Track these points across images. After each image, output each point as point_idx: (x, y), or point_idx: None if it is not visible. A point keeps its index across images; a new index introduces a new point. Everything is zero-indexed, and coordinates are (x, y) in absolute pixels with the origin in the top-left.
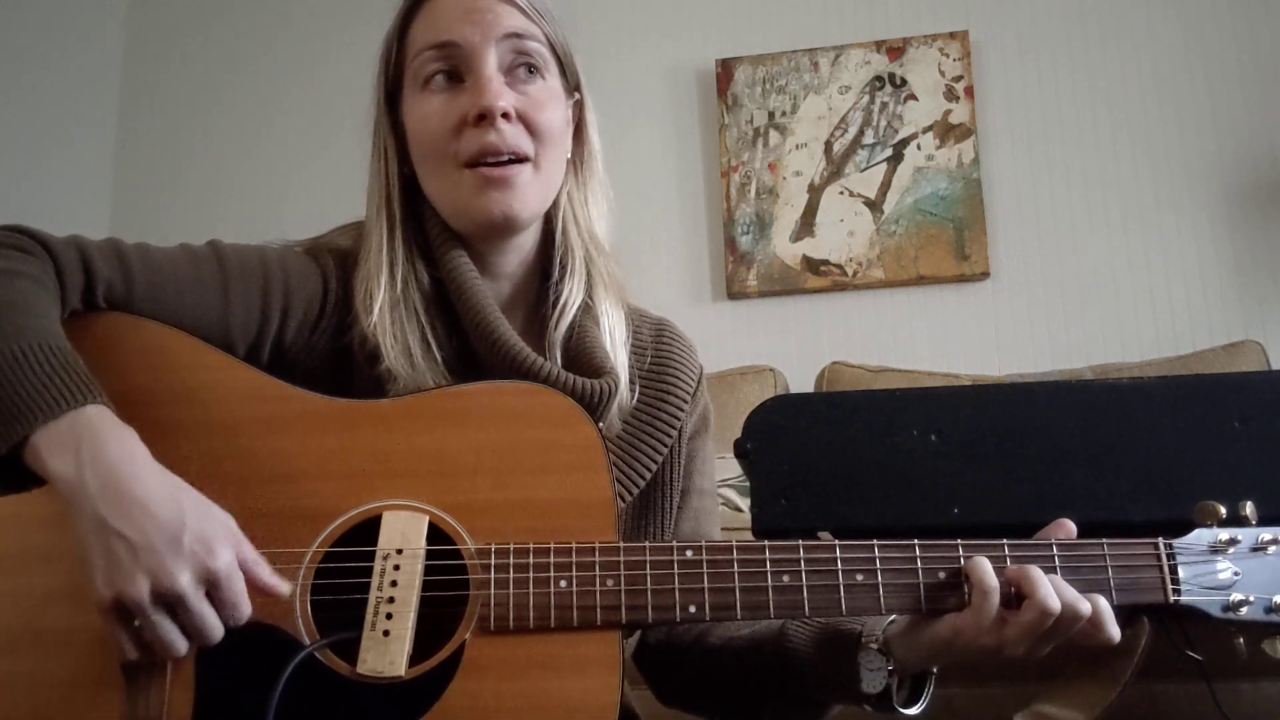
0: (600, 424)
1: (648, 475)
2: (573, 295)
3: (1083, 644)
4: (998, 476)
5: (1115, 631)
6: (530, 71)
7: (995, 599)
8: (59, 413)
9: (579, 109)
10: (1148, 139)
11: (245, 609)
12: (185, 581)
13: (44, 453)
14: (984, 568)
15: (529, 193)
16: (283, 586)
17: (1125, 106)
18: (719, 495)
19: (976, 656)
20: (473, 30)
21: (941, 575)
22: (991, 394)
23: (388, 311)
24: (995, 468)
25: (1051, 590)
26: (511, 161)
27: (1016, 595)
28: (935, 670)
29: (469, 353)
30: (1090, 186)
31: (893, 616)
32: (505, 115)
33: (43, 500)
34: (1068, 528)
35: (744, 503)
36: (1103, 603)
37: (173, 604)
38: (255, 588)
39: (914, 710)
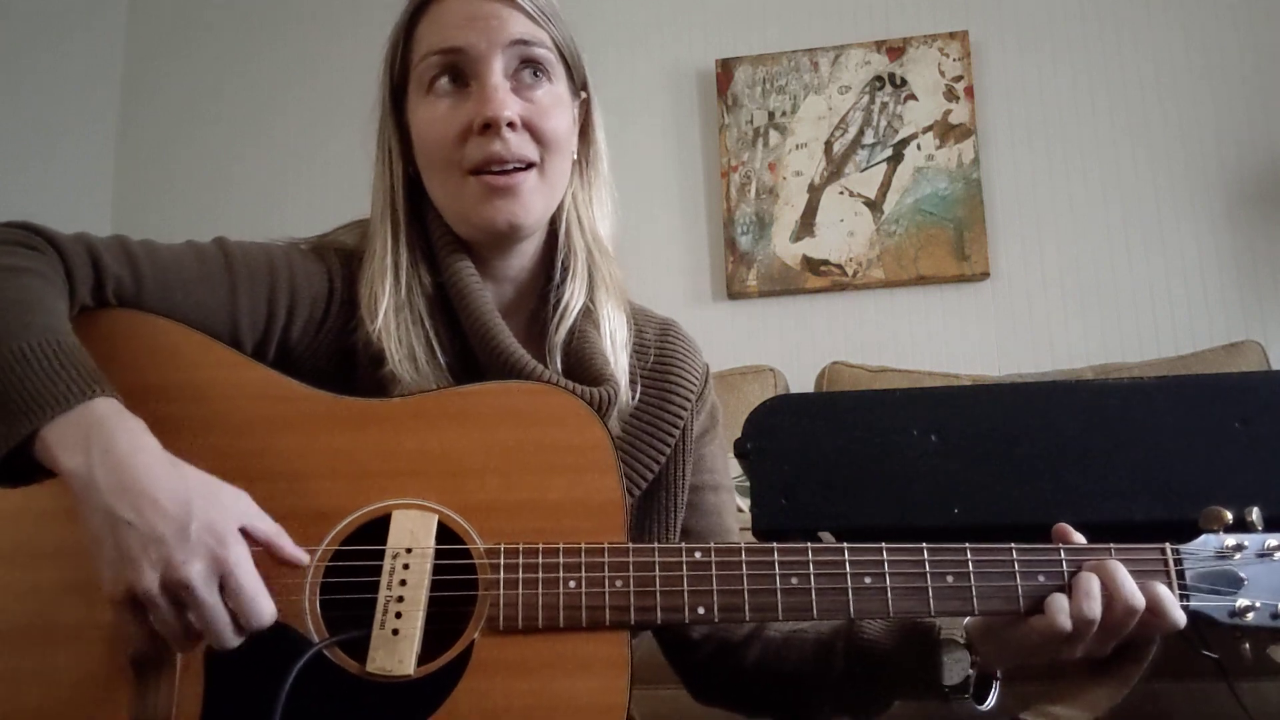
0: None
1: (650, 475)
2: (574, 298)
3: (1145, 634)
4: (998, 476)
5: (1179, 616)
6: (536, 76)
7: (1066, 629)
8: (68, 406)
9: (585, 108)
10: (1148, 138)
11: (264, 603)
12: (195, 571)
13: (54, 447)
14: (1058, 605)
15: (534, 200)
16: (303, 557)
17: (1125, 106)
18: None
19: (1048, 657)
20: (479, 36)
21: (949, 579)
22: (991, 394)
23: (392, 316)
24: (995, 468)
25: (1095, 600)
26: (516, 169)
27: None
28: (999, 675)
29: (471, 357)
30: (1090, 186)
31: (966, 619)
32: (511, 124)
33: (52, 495)
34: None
35: (744, 503)
36: (1163, 590)
37: (181, 596)
38: (277, 561)
39: (986, 705)
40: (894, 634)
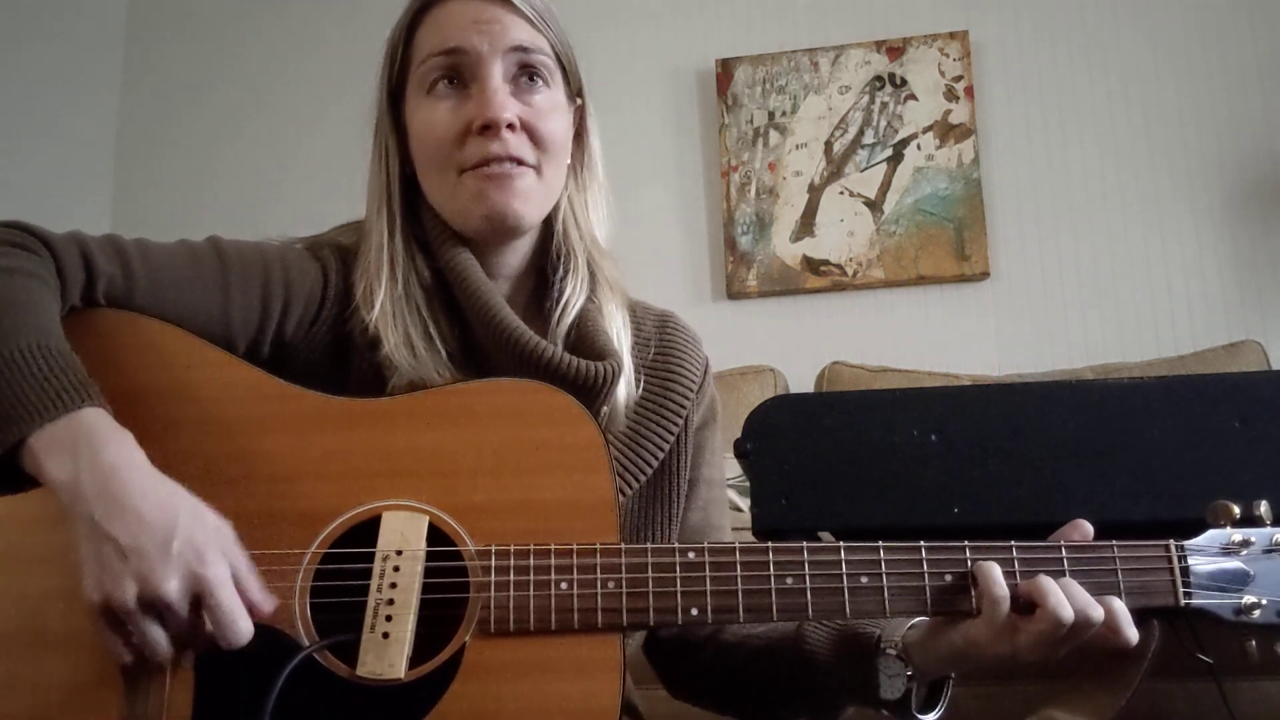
0: (604, 408)
1: (654, 464)
2: (575, 294)
3: (1099, 646)
4: (998, 476)
5: (1133, 633)
6: (534, 81)
7: (1005, 607)
8: (56, 415)
9: (580, 114)
10: (1148, 139)
11: (242, 624)
12: (173, 588)
13: (40, 456)
14: (992, 576)
15: (531, 195)
16: (267, 606)
17: (1125, 106)
18: None
19: (992, 663)
20: (480, 39)
21: (948, 578)
22: (991, 394)
23: (389, 305)
24: (995, 468)
25: (1064, 598)
26: (515, 163)
27: (1028, 603)
28: (953, 676)
29: (472, 345)
30: (1090, 186)
31: (911, 622)
32: (510, 126)
33: (40, 501)
34: (1083, 529)
35: (744, 503)
36: (1118, 605)
37: (160, 610)
38: (243, 599)
39: (931, 716)
40: (833, 645)
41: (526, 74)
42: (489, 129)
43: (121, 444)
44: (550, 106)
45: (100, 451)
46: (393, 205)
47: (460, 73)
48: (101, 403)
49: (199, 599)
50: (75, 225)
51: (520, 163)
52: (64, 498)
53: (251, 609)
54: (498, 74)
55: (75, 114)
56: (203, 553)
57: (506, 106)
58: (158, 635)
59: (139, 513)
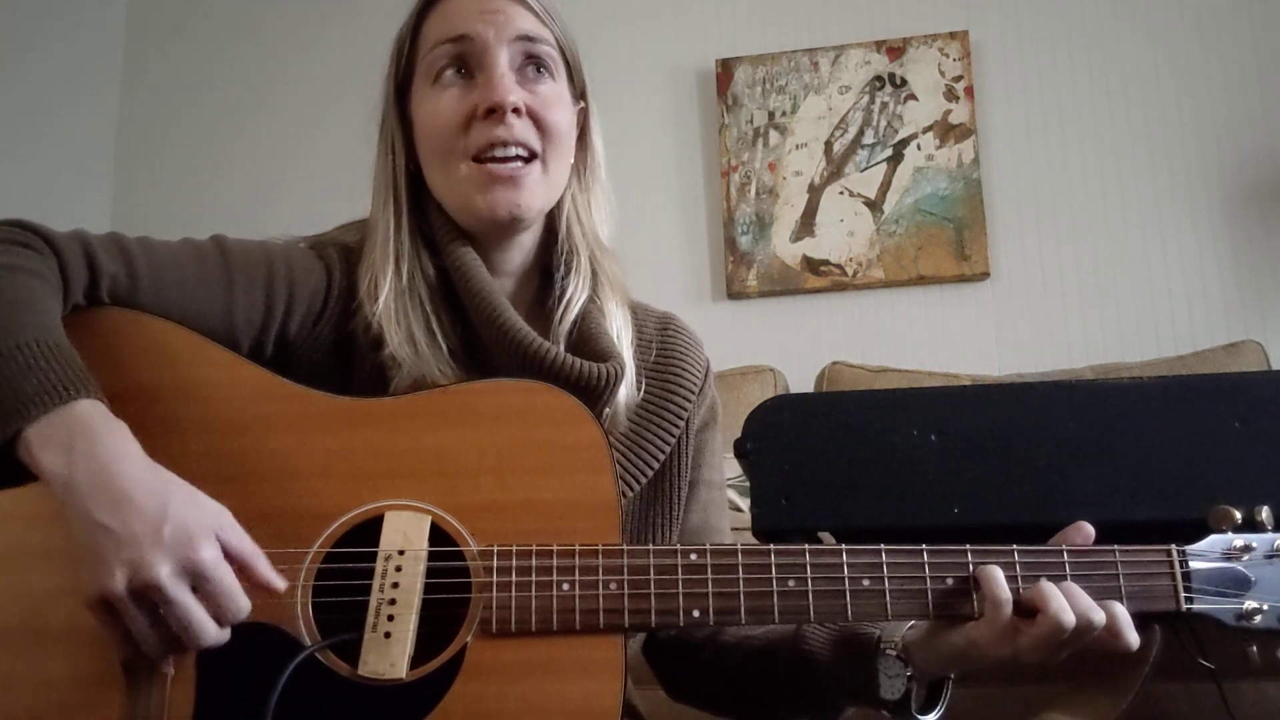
0: (606, 410)
1: (654, 467)
2: (578, 292)
3: (1100, 650)
4: (998, 476)
5: (1134, 638)
6: (539, 71)
7: (1008, 610)
8: (52, 408)
9: (583, 115)
10: (1148, 139)
11: (240, 602)
12: (164, 573)
13: (36, 448)
14: (995, 579)
15: (535, 191)
16: (279, 583)
17: (1125, 106)
18: None
19: (993, 664)
20: (486, 27)
21: (949, 581)
22: (991, 394)
23: (393, 300)
24: (995, 468)
25: (1065, 604)
26: (519, 159)
27: (1030, 608)
28: (952, 676)
29: (474, 343)
30: (1090, 186)
31: (911, 622)
32: (516, 110)
33: (39, 497)
34: (1085, 531)
35: (744, 503)
36: (1120, 609)
37: (152, 598)
38: (252, 583)
39: (931, 716)
40: (833, 645)
41: (533, 64)
42: (494, 112)
43: (116, 436)
44: (555, 97)
45: (94, 444)
46: (399, 199)
47: (466, 61)
48: (98, 395)
49: (195, 583)
50: (75, 225)
51: (524, 148)
52: (58, 489)
53: (264, 589)
54: (504, 60)
55: (75, 114)
56: (194, 537)
57: (512, 91)
58: (147, 627)
59: (131, 501)
